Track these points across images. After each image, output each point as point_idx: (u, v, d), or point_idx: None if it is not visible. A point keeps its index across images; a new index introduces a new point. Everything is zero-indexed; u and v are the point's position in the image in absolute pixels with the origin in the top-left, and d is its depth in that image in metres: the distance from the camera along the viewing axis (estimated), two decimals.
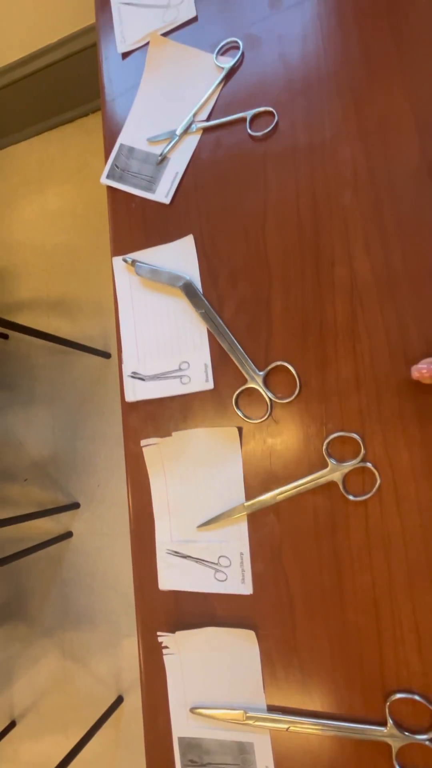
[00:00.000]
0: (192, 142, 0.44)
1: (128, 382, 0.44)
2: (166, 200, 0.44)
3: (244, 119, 0.42)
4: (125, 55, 0.48)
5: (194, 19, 0.46)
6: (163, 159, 0.45)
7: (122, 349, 0.45)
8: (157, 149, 0.46)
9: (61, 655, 1.60)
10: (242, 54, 0.44)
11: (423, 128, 0.37)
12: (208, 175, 0.44)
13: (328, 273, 0.39)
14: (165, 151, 0.45)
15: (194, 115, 0.44)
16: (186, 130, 0.44)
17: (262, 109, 0.42)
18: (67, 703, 1.58)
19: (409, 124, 0.37)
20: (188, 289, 0.43)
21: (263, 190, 0.42)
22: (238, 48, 0.44)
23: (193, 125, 0.44)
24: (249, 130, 0.42)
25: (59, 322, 1.75)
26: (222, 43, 0.44)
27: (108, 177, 0.47)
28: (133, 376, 0.44)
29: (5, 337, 1.78)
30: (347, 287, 0.38)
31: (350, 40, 0.40)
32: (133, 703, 1.52)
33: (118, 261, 0.46)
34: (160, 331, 0.44)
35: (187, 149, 0.44)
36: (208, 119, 0.44)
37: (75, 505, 1.63)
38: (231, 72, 0.44)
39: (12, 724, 1.65)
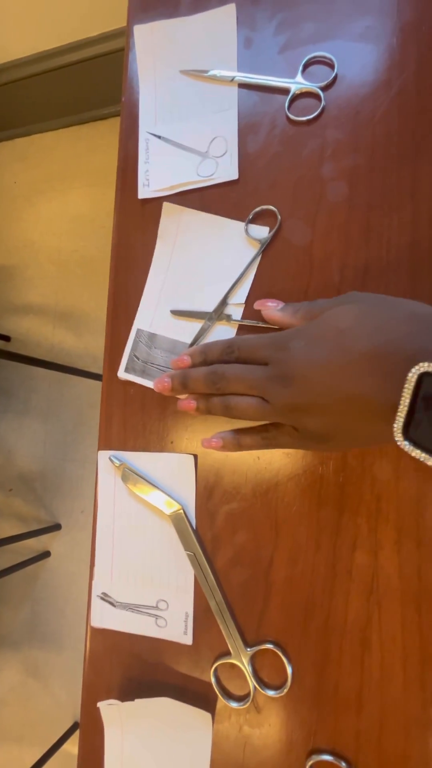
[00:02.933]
0: (227, 335, 0.36)
1: (96, 603, 0.38)
2: None
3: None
4: (145, 201, 0.40)
5: (235, 182, 0.37)
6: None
7: (95, 563, 0.39)
8: (184, 334, 0.38)
9: (24, 671, 1.60)
10: (279, 225, 0.35)
11: None
12: None
13: (347, 557, 0.32)
14: (198, 339, 0.37)
15: (226, 296, 0.36)
16: (219, 316, 0.37)
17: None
18: (24, 717, 1.60)
19: None
20: (179, 521, 0.36)
21: None
22: (275, 218, 0.35)
23: (228, 309, 0.36)
24: None
25: (64, 334, 1.68)
26: (255, 210, 0.36)
27: (126, 370, 0.39)
28: (102, 598, 0.38)
29: (7, 339, 1.71)
30: (366, 582, 0.32)
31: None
32: None
33: (104, 457, 0.39)
34: (141, 557, 0.37)
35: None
36: (244, 315, 0.36)
37: (56, 527, 1.60)
38: (268, 247, 0.36)
39: None
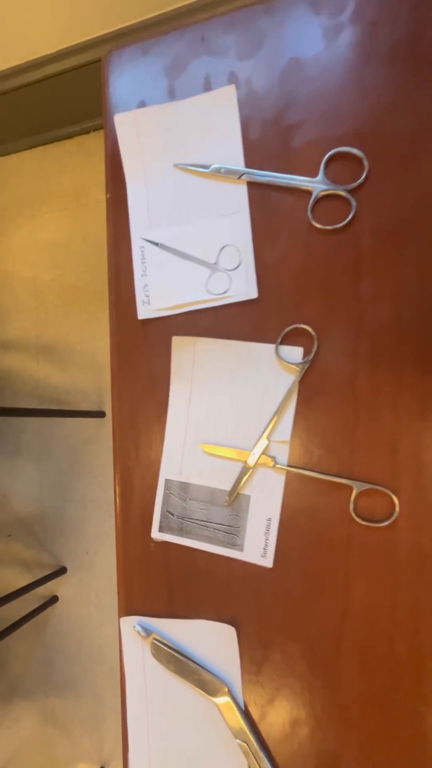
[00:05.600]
0: (275, 481, 0.31)
1: None
2: (266, 562, 0.31)
3: (349, 491, 0.29)
4: (146, 321, 0.34)
5: (254, 300, 0.32)
6: (236, 497, 0.32)
7: (128, 748, 0.34)
8: (222, 479, 0.32)
9: (43, 720, 1.55)
10: (317, 348, 0.30)
11: None
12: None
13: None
14: (239, 485, 0.31)
15: (266, 433, 0.31)
16: (261, 457, 0.31)
17: (367, 486, 0.29)
18: (47, 765, 1.56)
19: None
20: (225, 704, 0.31)
21: (343, 590, 0.29)
22: (311, 339, 0.30)
23: (271, 448, 0.30)
24: (353, 512, 0.29)
25: (49, 368, 1.60)
26: (287, 329, 0.30)
27: (161, 530, 0.33)
28: None
29: None
30: None
31: None
32: None
33: (128, 626, 0.33)
34: (183, 743, 0.32)
35: (272, 487, 0.31)
36: (291, 456, 0.30)
37: (62, 570, 1.54)
38: (305, 375, 0.30)
39: None
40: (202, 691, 0.31)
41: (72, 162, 1.61)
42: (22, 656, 1.60)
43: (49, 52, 1.26)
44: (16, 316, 1.65)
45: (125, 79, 0.34)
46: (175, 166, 0.33)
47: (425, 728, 0.27)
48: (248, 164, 0.32)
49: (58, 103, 1.44)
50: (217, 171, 0.32)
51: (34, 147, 1.69)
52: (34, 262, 1.64)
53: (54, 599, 1.55)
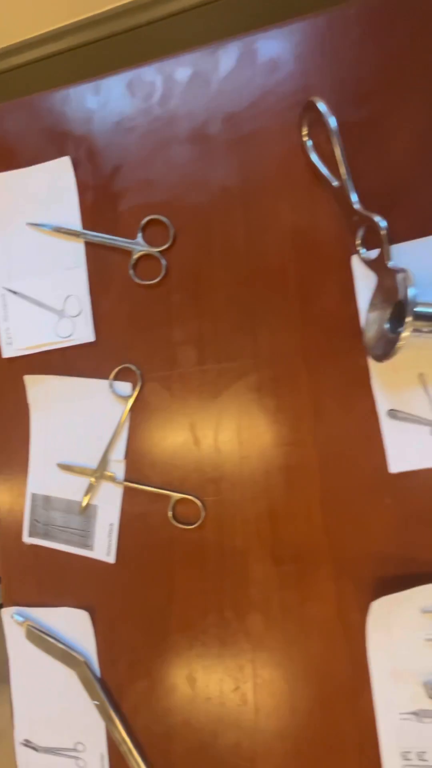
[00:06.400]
0: (115, 493, 0.37)
1: (21, 750, 0.40)
2: (110, 559, 0.38)
3: (168, 500, 0.36)
4: (11, 359, 0.39)
5: (93, 342, 0.37)
6: (86, 506, 0.38)
7: (14, 713, 0.41)
8: (76, 492, 0.38)
9: None
10: (141, 383, 0.36)
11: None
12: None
13: (231, 693, 0.35)
14: (88, 499, 0.38)
15: (106, 453, 0.37)
16: (103, 475, 0.37)
17: (181, 496, 0.35)
18: None
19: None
20: (83, 673, 0.38)
21: (168, 579, 0.36)
22: (136, 376, 0.36)
23: (111, 466, 0.37)
24: (172, 517, 0.36)
25: None
26: (117, 369, 0.36)
27: (31, 535, 0.40)
28: (25, 745, 0.40)
29: None
30: (246, 710, 0.35)
31: None
32: None
33: (7, 615, 0.40)
34: (55, 704, 0.39)
35: (113, 498, 0.37)
36: (127, 472, 0.37)
37: None
38: (135, 403, 0.37)
39: None
40: (65, 665, 0.38)
41: None
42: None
43: None
44: None
45: None
46: (27, 224, 0.38)
47: (227, 678, 0.35)
48: (85, 225, 0.37)
49: None
50: (59, 230, 0.37)
51: None
52: None
53: None
